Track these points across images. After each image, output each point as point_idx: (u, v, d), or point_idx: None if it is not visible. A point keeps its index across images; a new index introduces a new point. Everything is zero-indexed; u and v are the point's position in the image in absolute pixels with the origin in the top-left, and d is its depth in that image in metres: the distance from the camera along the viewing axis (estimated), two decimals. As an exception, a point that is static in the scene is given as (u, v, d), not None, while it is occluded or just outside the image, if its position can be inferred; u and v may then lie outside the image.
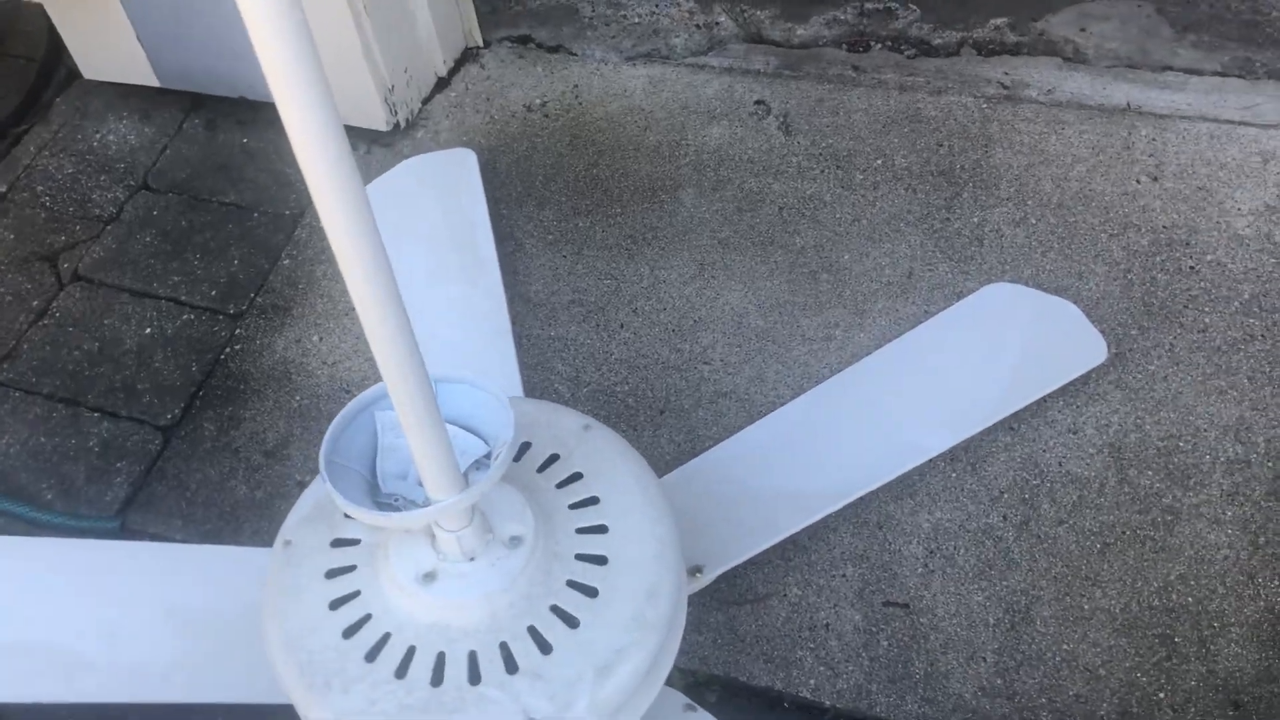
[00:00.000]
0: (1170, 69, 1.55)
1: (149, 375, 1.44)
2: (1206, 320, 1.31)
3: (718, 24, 1.73)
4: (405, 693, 0.90)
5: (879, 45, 1.65)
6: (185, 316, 1.50)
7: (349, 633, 0.94)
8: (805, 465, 1.24)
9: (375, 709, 0.90)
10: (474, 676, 0.90)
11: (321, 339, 1.45)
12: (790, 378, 1.33)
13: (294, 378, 1.42)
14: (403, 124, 1.64)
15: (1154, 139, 1.48)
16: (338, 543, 1.01)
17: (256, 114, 1.71)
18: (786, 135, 1.56)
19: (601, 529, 1.01)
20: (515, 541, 0.98)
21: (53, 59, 1.84)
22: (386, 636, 0.93)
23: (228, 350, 1.45)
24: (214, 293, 1.52)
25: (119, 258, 1.57)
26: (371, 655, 0.92)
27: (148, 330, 1.48)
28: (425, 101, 1.67)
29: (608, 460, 1.06)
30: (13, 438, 1.39)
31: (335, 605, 0.96)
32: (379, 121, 1.61)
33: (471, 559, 0.97)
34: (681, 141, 1.59)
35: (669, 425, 1.31)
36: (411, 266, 1.44)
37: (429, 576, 0.96)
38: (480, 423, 0.99)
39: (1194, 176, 1.44)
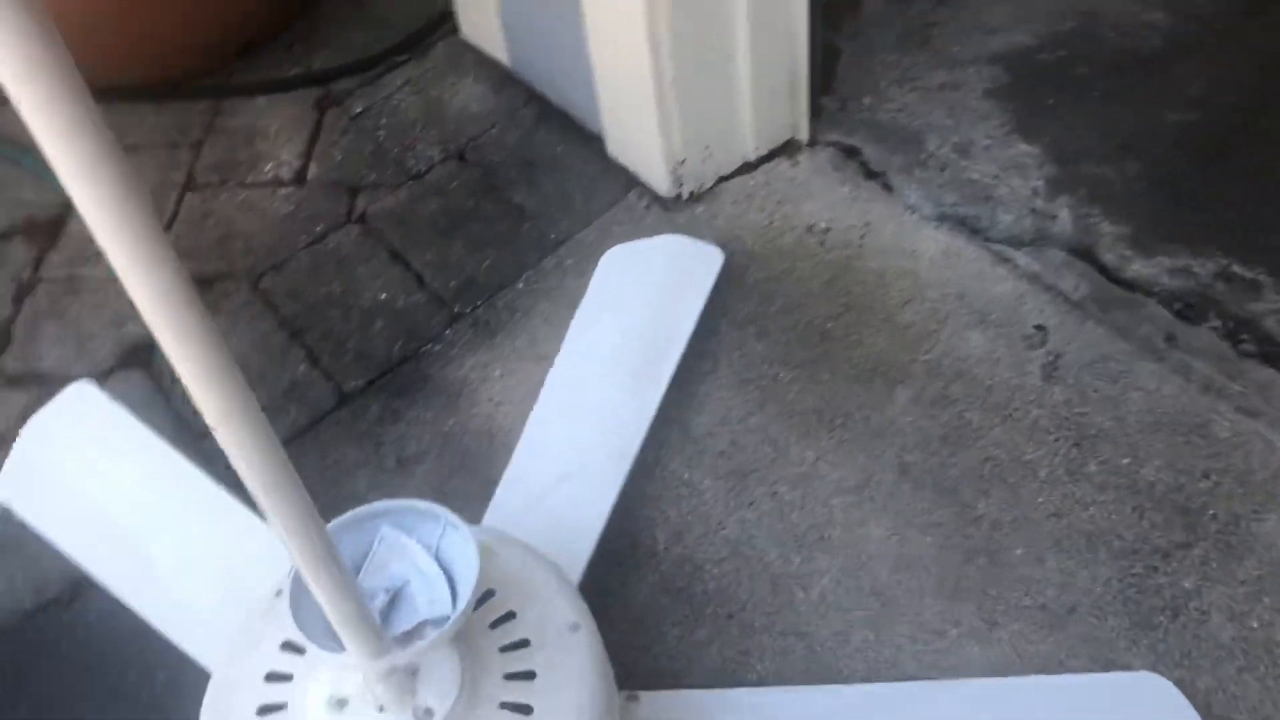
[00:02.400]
0: None
1: (361, 339, 1.55)
2: None
3: (1055, 217, 1.50)
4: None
5: (1212, 322, 1.36)
6: (415, 296, 1.59)
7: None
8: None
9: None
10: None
11: (503, 376, 1.49)
12: (877, 653, 1.19)
13: (461, 403, 1.47)
14: (685, 196, 1.60)
15: None
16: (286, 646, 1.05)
17: (580, 130, 1.74)
18: (1045, 381, 1.35)
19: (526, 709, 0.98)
20: (428, 714, 0.98)
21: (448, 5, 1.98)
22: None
23: (428, 347, 1.53)
24: (451, 284, 1.60)
25: (402, 216, 1.69)
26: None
27: (382, 296, 1.60)
28: (724, 179, 1.62)
29: (571, 668, 1.02)
30: (237, 343, 1.57)
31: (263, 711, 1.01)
32: (662, 187, 1.59)
33: (380, 709, 0.98)
34: (933, 334, 1.42)
35: (728, 635, 1.22)
36: (586, 353, 1.43)
37: (340, 703, 0.99)
38: (458, 566, 0.98)
39: None
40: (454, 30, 1.92)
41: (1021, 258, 1.47)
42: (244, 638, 1.07)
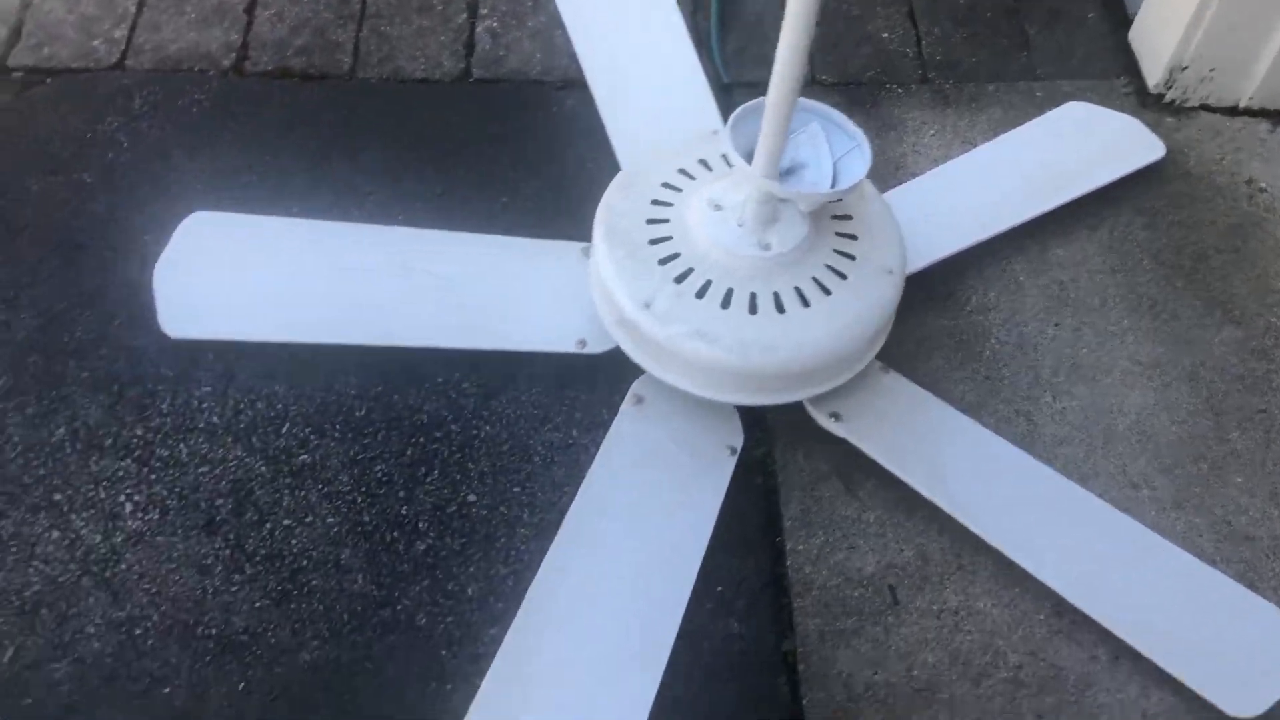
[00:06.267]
0: None
1: (843, 51, 1.84)
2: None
3: None
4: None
5: None
6: (908, 49, 1.86)
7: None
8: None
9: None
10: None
11: (934, 135, 1.74)
12: (1077, 469, 1.39)
13: (899, 136, 1.74)
14: (1166, 100, 1.75)
15: None
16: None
17: (1122, 8, 1.91)
18: None
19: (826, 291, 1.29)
20: (766, 247, 1.30)
21: None
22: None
23: (891, 87, 1.80)
24: (939, 58, 1.84)
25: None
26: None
27: (884, 35, 1.87)
28: (1207, 107, 1.76)
29: (871, 293, 1.30)
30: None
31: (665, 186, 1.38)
32: (1152, 80, 1.76)
33: (740, 224, 1.31)
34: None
35: (973, 383, 1.46)
36: (995, 162, 1.66)
37: (716, 206, 1.33)
38: (845, 178, 1.28)
39: None
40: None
41: None
42: (669, 149, 1.43)
